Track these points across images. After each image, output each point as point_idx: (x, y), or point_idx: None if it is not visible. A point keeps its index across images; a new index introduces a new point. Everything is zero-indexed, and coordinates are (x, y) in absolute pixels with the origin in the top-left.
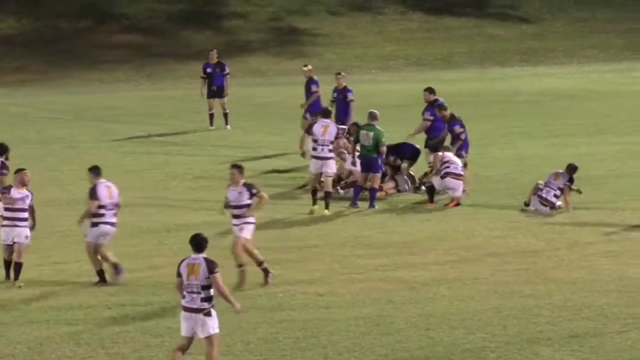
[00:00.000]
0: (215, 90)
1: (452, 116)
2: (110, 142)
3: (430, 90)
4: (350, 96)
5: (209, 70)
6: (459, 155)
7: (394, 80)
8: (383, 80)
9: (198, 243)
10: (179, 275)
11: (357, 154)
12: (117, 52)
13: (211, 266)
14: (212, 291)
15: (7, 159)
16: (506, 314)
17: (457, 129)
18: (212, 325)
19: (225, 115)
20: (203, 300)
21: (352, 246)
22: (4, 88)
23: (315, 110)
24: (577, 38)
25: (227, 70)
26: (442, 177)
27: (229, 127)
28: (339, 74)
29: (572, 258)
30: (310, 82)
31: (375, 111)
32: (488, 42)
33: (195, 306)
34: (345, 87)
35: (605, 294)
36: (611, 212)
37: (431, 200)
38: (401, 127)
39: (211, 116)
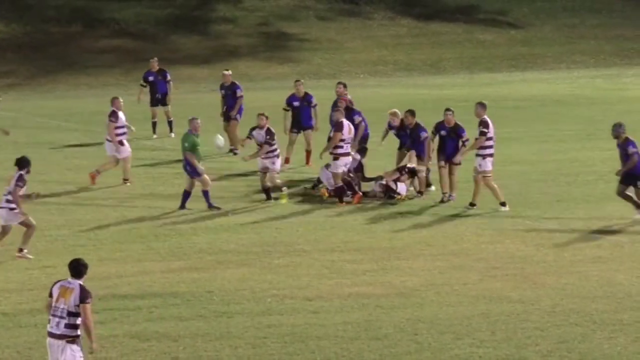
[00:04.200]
0: (160, 98)
1: (417, 124)
2: (98, 147)
3: (345, 85)
4: (239, 92)
5: (150, 78)
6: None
7: (382, 85)
8: (372, 85)
9: (76, 268)
10: (50, 295)
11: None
12: (106, 56)
13: (84, 295)
14: (78, 320)
15: (28, 172)
16: (494, 320)
17: (423, 135)
18: (75, 355)
19: (170, 123)
20: (67, 326)
21: (340, 251)
22: None
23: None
24: (566, 44)
25: (169, 77)
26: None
27: (173, 135)
28: (226, 70)
29: (561, 264)
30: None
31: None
32: (477, 47)
33: (58, 332)
34: (233, 83)
35: (594, 300)
36: (600, 218)
37: (341, 201)
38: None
39: (154, 124)
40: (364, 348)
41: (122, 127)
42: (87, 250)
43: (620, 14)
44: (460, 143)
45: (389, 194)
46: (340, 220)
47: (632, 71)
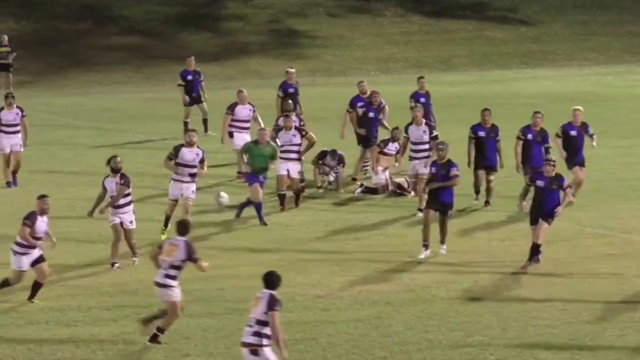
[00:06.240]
0: (195, 97)
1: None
2: (109, 144)
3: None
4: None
5: (189, 77)
6: None
7: (393, 83)
8: (382, 82)
9: (269, 280)
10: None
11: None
12: (115, 54)
13: (272, 302)
14: (265, 329)
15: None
16: (505, 317)
17: None
18: None
19: (205, 121)
20: (253, 334)
21: (351, 248)
22: (4, 90)
23: None
24: (576, 41)
25: (202, 77)
26: None
27: (209, 133)
28: (291, 68)
29: (572, 261)
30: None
31: None
32: (487, 44)
33: (246, 340)
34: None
35: (605, 297)
36: (610, 215)
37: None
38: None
39: (185, 124)
40: (375, 345)
41: (240, 120)
42: (98, 248)
43: (631, 11)
44: (544, 150)
45: (398, 191)
46: (350, 217)
47: None
